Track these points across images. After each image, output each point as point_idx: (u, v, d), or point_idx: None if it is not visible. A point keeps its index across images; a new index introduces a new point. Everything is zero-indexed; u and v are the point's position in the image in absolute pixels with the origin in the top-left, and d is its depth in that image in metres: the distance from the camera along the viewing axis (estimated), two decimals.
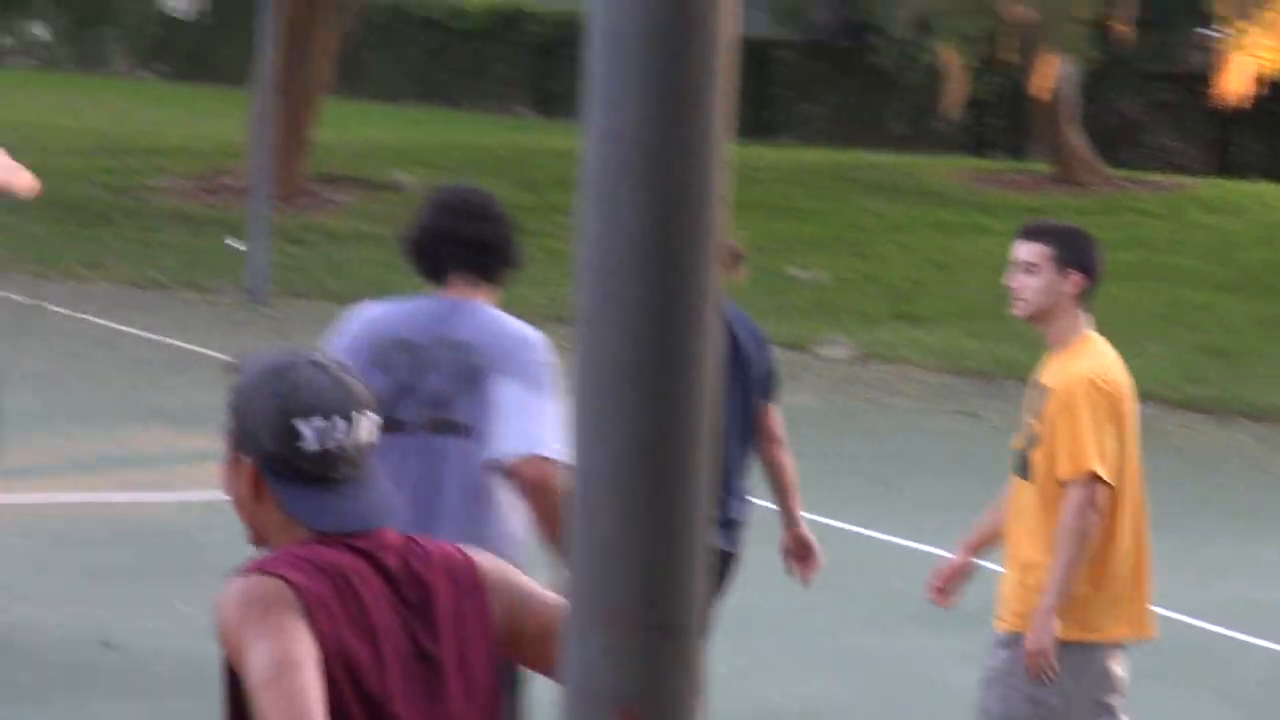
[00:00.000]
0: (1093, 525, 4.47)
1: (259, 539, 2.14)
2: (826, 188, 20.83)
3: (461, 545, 2.23)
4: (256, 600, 1.97)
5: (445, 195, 4.66)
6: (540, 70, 29.18)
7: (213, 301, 14.14)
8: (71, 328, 13.19)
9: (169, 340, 12.78)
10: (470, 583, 2.13)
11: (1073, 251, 4.68)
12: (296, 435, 2.05)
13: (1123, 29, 20.13)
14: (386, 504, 2.16)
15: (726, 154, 1.10)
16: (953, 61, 20.16)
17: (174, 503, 9.36)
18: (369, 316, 4.32)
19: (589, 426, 1.11)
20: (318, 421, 2.06)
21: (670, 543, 1.12)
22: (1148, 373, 9.70)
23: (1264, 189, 21.79)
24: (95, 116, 23.53)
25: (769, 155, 21.91)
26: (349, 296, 9.29)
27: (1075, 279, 4.63)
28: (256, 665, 1.92)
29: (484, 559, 2.20)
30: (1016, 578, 4.65)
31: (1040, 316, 4.67)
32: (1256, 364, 14.65)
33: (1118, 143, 24.14)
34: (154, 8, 31.84)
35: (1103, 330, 4.84)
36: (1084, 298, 4.69)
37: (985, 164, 23.42)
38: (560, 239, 13.86)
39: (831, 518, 8.27)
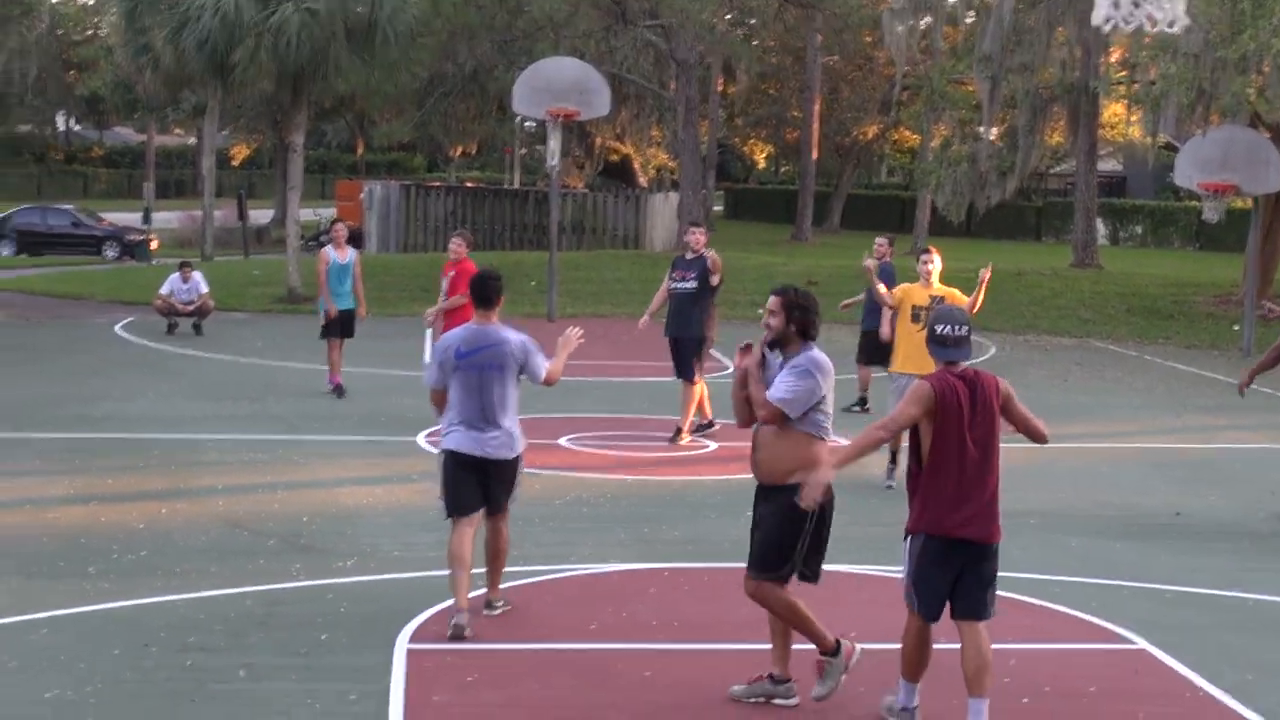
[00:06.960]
0: None
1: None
2: None
3: (995, 377, 6.40)
4: (917, 388, 6.35)
5: None
6: None
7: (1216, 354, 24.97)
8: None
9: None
10: (994, 388, 6.30)
11: None
12: (936, 334, 6.39)
13: None
14: (965, 356, 6.33)
15: None
16: None
17: None
18: None
19: None
20: (945, 329, 6.34)
21: None
22: None
23: None
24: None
25: None
26: None
27: None
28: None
29: (1002, 383, 6.38)
30: None
31: None
32: None
33: None
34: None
35: None
36: None
37: None
38: None
39: None
